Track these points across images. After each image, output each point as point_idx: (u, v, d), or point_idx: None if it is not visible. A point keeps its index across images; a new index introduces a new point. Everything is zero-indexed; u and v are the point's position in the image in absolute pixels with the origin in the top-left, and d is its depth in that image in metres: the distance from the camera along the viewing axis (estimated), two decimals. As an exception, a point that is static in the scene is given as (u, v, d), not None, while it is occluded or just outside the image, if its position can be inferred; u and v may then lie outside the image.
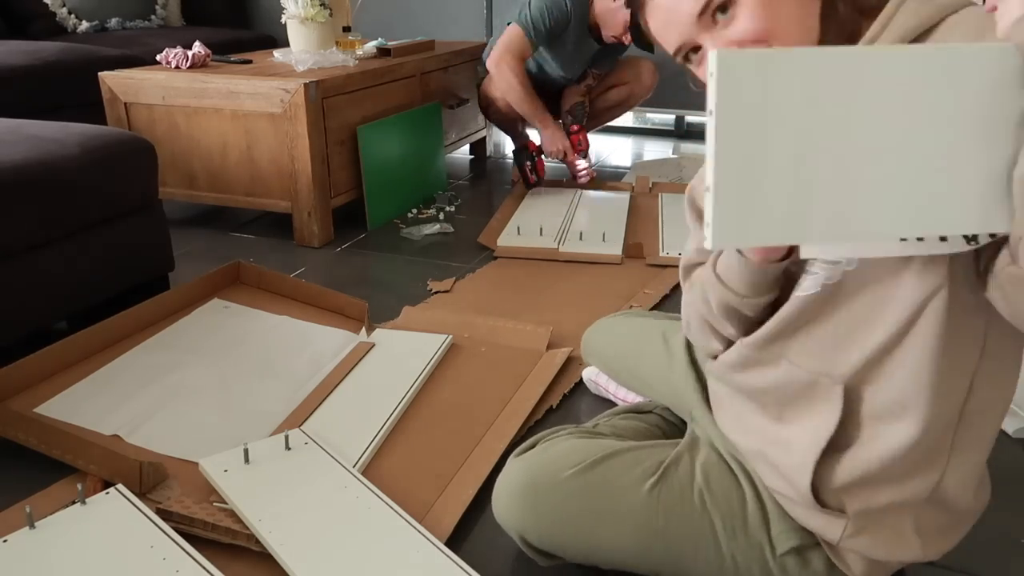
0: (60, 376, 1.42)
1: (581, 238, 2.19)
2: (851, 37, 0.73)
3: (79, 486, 1.08)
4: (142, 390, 1.41)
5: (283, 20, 2.46)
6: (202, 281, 1.76)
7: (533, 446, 1.01)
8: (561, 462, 0.96)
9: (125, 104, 2.26)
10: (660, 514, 0.91)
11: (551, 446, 1.00)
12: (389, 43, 2.71)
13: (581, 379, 1.47)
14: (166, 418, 1.34)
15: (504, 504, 0.98)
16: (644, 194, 2.64)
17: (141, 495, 1.12)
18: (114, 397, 1.38)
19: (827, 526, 0.84)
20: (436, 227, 2.33)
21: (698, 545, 0.90)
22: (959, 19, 0.67)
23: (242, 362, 1.53)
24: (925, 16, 0.68)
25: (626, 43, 2.53)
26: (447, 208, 2.52)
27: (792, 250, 0.75)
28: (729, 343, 0.89)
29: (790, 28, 0.70)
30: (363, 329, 1.63)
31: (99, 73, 2.27)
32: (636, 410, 1.21)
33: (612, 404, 1.38)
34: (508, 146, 3.04)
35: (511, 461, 1.01)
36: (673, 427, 1.15)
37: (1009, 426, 1.35)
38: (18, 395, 1.36)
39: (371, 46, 2.64)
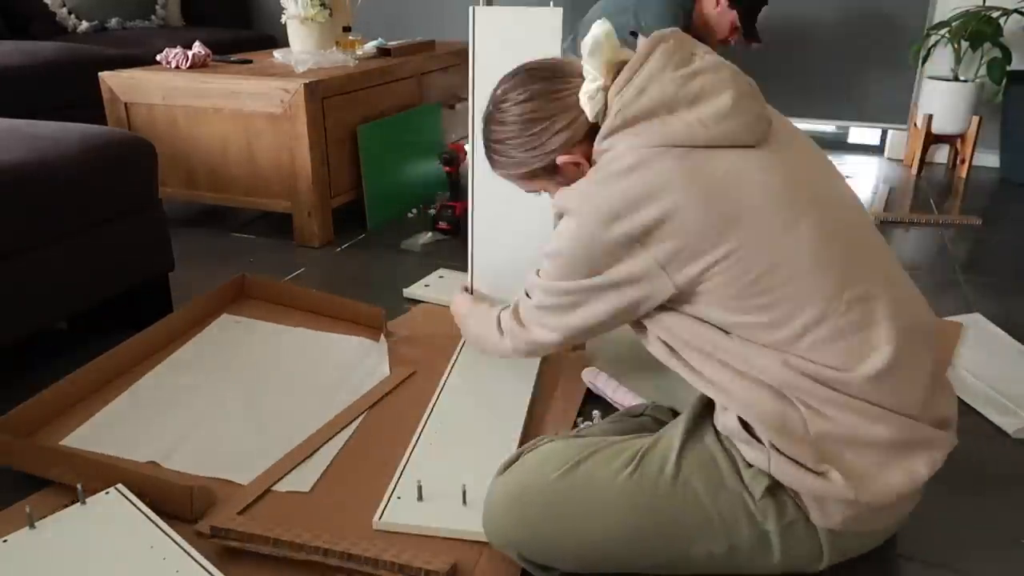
0: (79, 407, 1.38)
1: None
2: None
3: (79, 486, 1.08)
4: (169, 414, 1.37)
5: (283, 20, 2.46)
6: (208, 298, 1.73)
7: (515, 461, 1.01)
8: (545, 467, 0.96)
9: (125, 104, 2.26)
10: (643, 493, 0.92)
11: (532, 456, 1.00)
12: (389, 43, 2.71)
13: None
14: (200, 440, 1.29)
15: (495, 521, 0.98)
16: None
17: (192, 523, 1.09)
18: (141, 423, 1.34)
19: (755, 454, 0.89)
20: (429, 235, 2.29)
21: (684, 513, 0.91)
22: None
23: (266, 378, 1.49)
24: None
25: (731, 42, 2.51)
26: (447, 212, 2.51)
27: None
28: None
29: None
30: (382, 336, 1.62)
31: (99, 73, 2.27)
32: (628, 413, 1.22)
33: (610, 405, 1.38)
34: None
35: (495, 479, 1.01)
36: (660, 424, 1.15)
37: (1009, 426, 1.35)
38: (41, 430, 1.32)
39: (371, 46, 2.64)
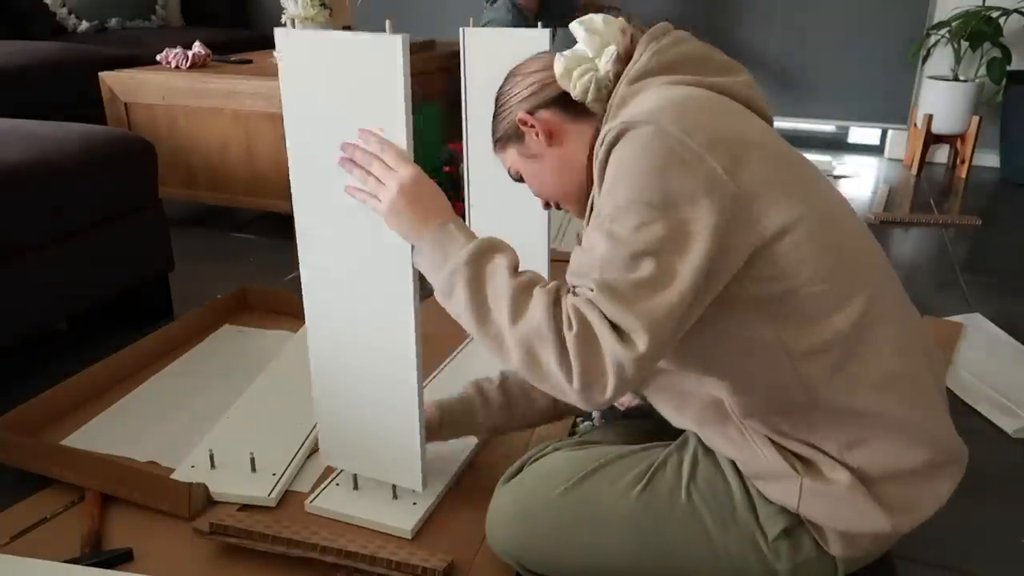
0: (79, 411, 1.38)
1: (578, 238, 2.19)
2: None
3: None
4: (170, 416, 1.37)
5: (283, 20, 2.46)
6: (209, 309, 1.72)
7: (520, 469, 1.00)
8: (551, 480, 0.95)
9: (125, 104, 2.26)
10: (649, 518, 0.90)
11: (539, 466, 0.98)
12: (389, 43, 2.70)
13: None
14: (200, 441, 1.28)
15: (498, 532, 0.97)
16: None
17: (190, 520, 1.09)
18: (141, 425, 1.34)
19: (784, 491, 0.84)
20: None
21: (690, 544, 0.89)
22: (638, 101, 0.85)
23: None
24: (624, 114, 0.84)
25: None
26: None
27: None
28: None
29: (556, 194, 0.99)
30: None
31: (99, 73, 2.27)
32: (628, 414, 1.21)
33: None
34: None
35: (500, 488, 1.00)
36: (665, 428, 1.14)
37: (1009, 426, 1.35)
38: (40, 431, 1.32)
39: (371, 46, 2.64)
